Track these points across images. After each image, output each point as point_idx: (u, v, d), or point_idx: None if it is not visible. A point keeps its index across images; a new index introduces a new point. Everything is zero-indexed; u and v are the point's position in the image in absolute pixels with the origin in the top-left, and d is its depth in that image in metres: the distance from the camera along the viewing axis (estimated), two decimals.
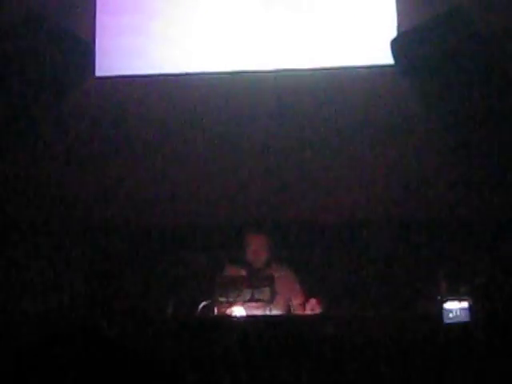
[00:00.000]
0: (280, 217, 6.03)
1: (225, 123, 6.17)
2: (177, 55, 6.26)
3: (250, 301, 4.68)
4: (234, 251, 5.41)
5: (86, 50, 6.20)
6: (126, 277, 5.20)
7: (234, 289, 4.71)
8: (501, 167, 5.71)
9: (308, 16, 6.17)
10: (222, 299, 4.71)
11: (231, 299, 4.68)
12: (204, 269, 5.77)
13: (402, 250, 5.81)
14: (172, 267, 5.93)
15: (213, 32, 6.25)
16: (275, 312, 4.75)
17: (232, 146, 6.16)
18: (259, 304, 4.69)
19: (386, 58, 5.89)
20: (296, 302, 5.02)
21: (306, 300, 4.90)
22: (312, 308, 4.75)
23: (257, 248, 5.24)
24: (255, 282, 4.79)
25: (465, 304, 4.06)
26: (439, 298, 4.18)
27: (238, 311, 4.65)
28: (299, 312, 4.91)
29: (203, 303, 4.76)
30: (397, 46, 5.79)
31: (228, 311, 4.67)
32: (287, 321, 4.50)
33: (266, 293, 4.71)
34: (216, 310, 4.71)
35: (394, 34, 5.96)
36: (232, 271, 5.26)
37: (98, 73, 6.30)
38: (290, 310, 4.92)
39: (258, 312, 4.67)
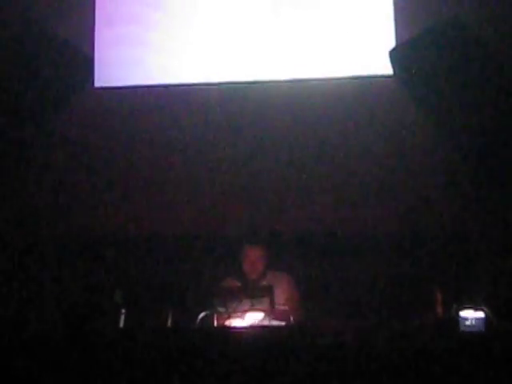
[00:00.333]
0: (279, 228, 6.03)
1: (223, 134, 6.18)
2: (175, 66, 6.28)
3: (249, 311, 4.67)
4: (232, 263, 5.40)
5: (85, 61, 6.21)
6: (123, 288, 5.18)
7: (233, 299, 4.70)
8: (501, 179, 5.71)
9: (307, 27, 6.19)
10: (222, 310, 4.70)
11: (230, 310, 4.67)
12: (203, 280, 5.77)
13: (400, 261, 5.81)
14: (171, 278, 5.92)
15: (210, 43, 6.28)
16: (275, 322, 4.73)
17: (230, 157, 6.17)
18: (258, 314, 4.68)
19: (384, 68, 5.90)
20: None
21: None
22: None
23: (254, 259, 5.27)
24: (254, 293, 4.79)
25: (480, 314, 4.05)
26: (455, 305, 4.17)
27: (238, 322, 4.64)
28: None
29: (202, 314, 4.74)
30: (395, 56, 5.80)
31: (227, 322, 4.66)
32: (287, 331, 4.48)
33: (265, 303, 4.70)
34: (215, 321, 4.70)
35: (392, 44, 5.98)
36: (230, 283, 5.26)
37: (97, 83, 6.32)
38: (289, 319, 4.90)
39: (258, 322, 4.66)
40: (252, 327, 4.54)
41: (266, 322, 4.66)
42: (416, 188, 5.96)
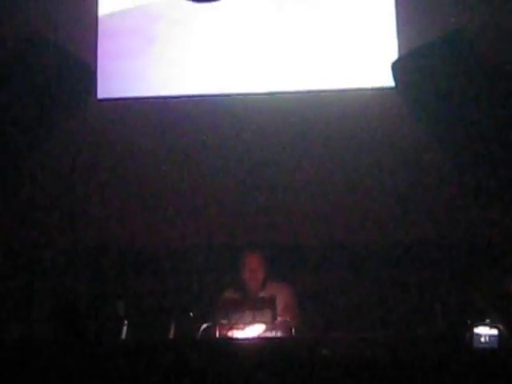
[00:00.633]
0: (279, 240, 6.04)
1: (225, 145, 6.19)
2: (178, 77, 6.29)
3: (251, 323, 4.66)
4: (233, 274, 5.39)
5: (87, 73, 6.24)
6: (125, 299, 5.17)
7: (235, 311, 4.70)
8: (503, 188, 5.71)
9: (308, 38, 6.20)
10: (224, 321, 4.70)
11: (233, 321, 4.67)
12: (205, 291, 5.76)
13: (397, 272, 5.81)
14: (173, 289, 5.92)
15: (212, 55, 6.29)
16: (277, 334, 4.72)
17: (231, 168, 6.18)
18: (261, 326, 4.67)
19: (386, 80, 5.91)
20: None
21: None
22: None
23: (254, 267, 5.25)
24: (256, 305, 4.78)
25: (494, 331, 4.04)
26: (469, 322, 4.16)
27: (240, 333, 4.63)
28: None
29: (204, 325, 4.74)
30: (397, 68, 5.82)
31: (229, 333, 4.66)
32: (289, 343, 4.47)
33: (267, 315, 4.70)
34: (218, 333, 4.69)
35: (394, 56, 6.00)
36: (230, 295, 5.26)
37: (100, 95, 6.34)
38: (290, 331, 4.89)
39: (260, 334, 4.65)
40: (254, 339, 4.54)
41: (268, 334, 4.66)
42: (417, 199, 5.96)
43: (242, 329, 4.66)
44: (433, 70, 5.69)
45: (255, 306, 4.73)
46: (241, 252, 5.36)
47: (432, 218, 5.93)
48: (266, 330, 4.68)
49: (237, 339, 4.55)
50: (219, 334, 4.68)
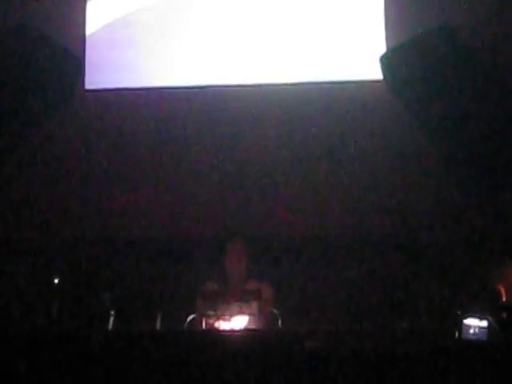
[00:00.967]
0: (271, 232, 6.05)
1: (214, 137, 6.19)
2: (167, 68, 6.28)
3: (238, 314, 4.68)
4: (219, 265, 5.39)
5: (75, 64, 6.21)
6: (111, 290, 5.17)
7: (222, 302, 4.70)
8: (495, 184, 5.73)
9: (297, 31, 6.20)
10: (211, 313, 4.70)
11: (219, 313, 4.68)
12: (191, 282, 5.76)
13: (388, 266, 5.83)
14: (160, 280, 5.92)
15: (202, 45, 6.28)
16: (263, 325, 4.74)
17: (221, 160, 6.18)
18: (246, 317, 4.69)
19: (374, 73, 5.92)
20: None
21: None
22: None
23: (236, 254, 5.21)
24: (243, 296, 4.79)
25: (484, 323, 4.05)
26: (459, 313, 4.17)
27: (226, 325, 4.64)
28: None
29: (191, 316, 4.75)
30: (386, 61, 5.82)
31: (216, 324, 4.66)
32: (276, 334, 4.48)
33: (253, 307, 4.71)
34: (204, 324, 4.70)
35: (383, 49, 6.00)
36: (210, 287, 5.22)
37: (88, 86, 6.32)
38: (277, 322, 4.90)
39: (246, 326, 4.66)
40: (240, 330, 4.55)
41: (254, 326, 4.67)
42: (405, 191, 5.98)
43: (229, 320, 4.67)
44: (420, 63, 5.70)
45: (242, 298, 4.75)
46: (226, 243, 5.35)
47: (418, 213, 5.94)
48: (252, 322, 4.69)
49: (223, 330, 4.57)
50: (206, 326, 4.68)
